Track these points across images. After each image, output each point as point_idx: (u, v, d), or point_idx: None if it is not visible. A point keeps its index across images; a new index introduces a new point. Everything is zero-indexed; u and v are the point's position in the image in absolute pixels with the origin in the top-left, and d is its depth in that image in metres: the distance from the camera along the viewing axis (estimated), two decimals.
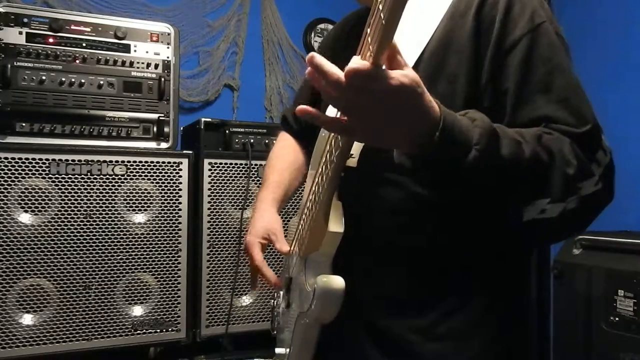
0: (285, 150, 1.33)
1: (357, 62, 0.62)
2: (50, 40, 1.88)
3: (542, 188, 0.76)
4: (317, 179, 0.89)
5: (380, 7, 0.59)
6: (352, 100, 0.64)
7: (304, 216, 0.98)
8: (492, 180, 0.74)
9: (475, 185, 0.75)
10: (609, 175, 0.81)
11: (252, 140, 2.10)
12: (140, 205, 1.89)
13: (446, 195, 0.86)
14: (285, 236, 1.13)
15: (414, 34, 0.90)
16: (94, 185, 1.82)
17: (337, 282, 0.85)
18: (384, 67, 0.63)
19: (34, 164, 1.75)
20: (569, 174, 0.76)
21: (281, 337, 1.13)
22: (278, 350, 1.13)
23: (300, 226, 1.01)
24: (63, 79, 1.88)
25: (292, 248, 1.09)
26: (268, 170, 1.30)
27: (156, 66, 2.02)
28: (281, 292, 1.15)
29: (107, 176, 1.84)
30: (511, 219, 0.78)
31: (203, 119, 2.07)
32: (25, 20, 1.85)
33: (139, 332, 1.87)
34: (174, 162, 1.94)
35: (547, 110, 0.81)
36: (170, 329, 1.92)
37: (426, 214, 0.88)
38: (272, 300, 1.22)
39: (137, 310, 1.88)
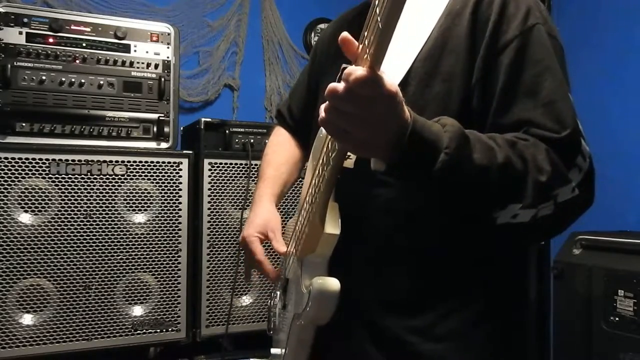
0: (281, 145, 1.33)
1: (355, 68, 0.62)
2: (50, 40, 1.88)
3: (514, 193, 0.76)
4: (314, 181, 0.89)
5: (378, 11, 0.59)
6: (349, 107, 0.65)
7: (301, 217, 0.98)
8: (464, 185, 0.74)
9: (448, 190, 0.75)
10: (588, 181, 0.81)
11: (252, 140, 2.10)
12: (140, 205, 1.89)
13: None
14: (283, 235, 1.13)
15: (411, 34, 0.90)
16: (94, 185, 1.82)
17: (332, 284, 0.85)
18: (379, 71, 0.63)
19: (34, 164, 1.75)
20: (541, 181, 0.76)
21: (277, 338, 1.13)
22: (274, 350, 1.13)
23: (297, 227, 1.01)
24: (63, 79, 1.88)
25: (289, 249, 1.08)
26: (265, 164, 1.30)
27: (156, 66, 2.02)
28: (278, 293, 1.15)
29: (107, 176, 1.84)
30: (485, 223, 0.79)
31: (203, 119, 2.07)
32: (25, 20, 1.85)
33: (139, 332, 1.87)
34: (174, 162, 1.95)
35: (529, 114, 0.81)
36: (170, 329, 1.93)
37: (423, 215, 0.88)
38: (269, 301, 1.22)
39: (137, 310, 1.88)
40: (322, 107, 0.68)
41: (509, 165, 0.75)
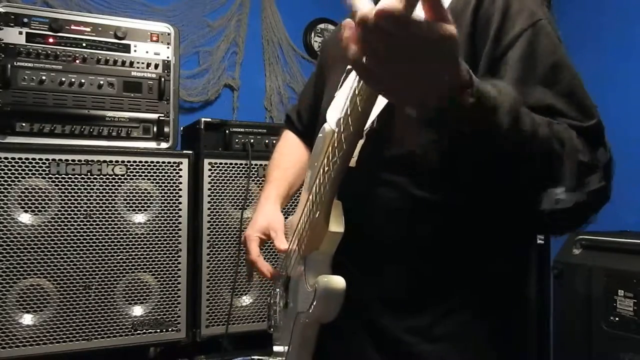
0: (288, 148, 1.33)
1: (389, 2, 0.53)
2: (50, 40, 1.88)
3: (556, 175, 0.73)
4: (318, 179, 0.89)
5: None
6: (378, 45, 0.56)
7: (303, 215, 0.98)
8: (509, 156, 0.71)
9: (488, 159, 0.71)
10: (609, 173, 0.79)
11: (252, 140, 2.10)
12: (140, 205, 1.89)
13: (444, 197, 0.85)
14: (285, 234, 1.13)
15: None
16: (94, 185, 1.82)
17: (338, 282, 0.85)
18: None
19: (34, 164, 1.75)
20: (583, 160, 0.74)
21: (278, 336, 1.13)
22: (276, 348, 1.13)
23: (299, 225, 1.01)
24: (63, 79, 1.88)
25: (290, 246, 1.08)
26: (272, 167, 1.30)
27: (156, 66, 2.02)
28: (278, 290, 1.15)
29: (107, 176, 1.84)
30: (525, 209, 0.76)
31: (203, 119, 2.07)
32: (25, 20, 1.85)
33: (139, 332, 1.87)
34: (174, 162, 1.95)
35: (551, 101, 0.79)
36: (170, 329, 1.92)
37: (424, 215, 0.88)
38: (269, 299, 1.22)
39: (137, 310, 1.88)
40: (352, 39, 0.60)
41: (550, 144, 0.72)
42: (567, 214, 0.74)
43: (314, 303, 0.86)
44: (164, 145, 2.00)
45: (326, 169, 0.84)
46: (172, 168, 1.94)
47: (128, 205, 1.87)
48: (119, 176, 1.86)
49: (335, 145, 0.80)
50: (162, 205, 1.92)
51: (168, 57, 2.04)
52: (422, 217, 0.88)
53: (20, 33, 1.84)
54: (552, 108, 0.79)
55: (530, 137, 0.70)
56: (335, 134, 0.80)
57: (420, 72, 0.59)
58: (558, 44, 0.84)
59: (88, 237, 1.81)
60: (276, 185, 1.24)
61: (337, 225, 0.86)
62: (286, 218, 1.19)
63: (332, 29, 1.31)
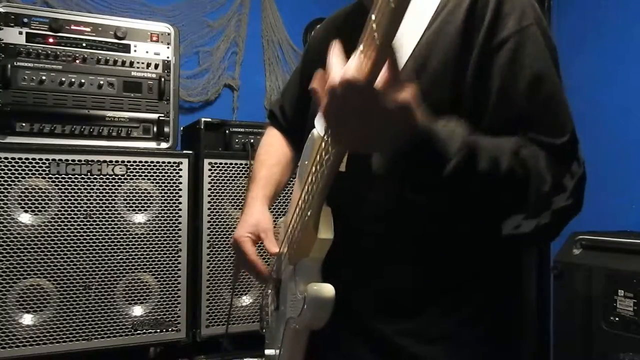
0: (273, 146, 1.32)
1: (352, 72, 0.61)
2: (50, 40, 1.88)
3: (517, 204, 0.77)
4: (307, 187, 0.88)
5: (375, 27, 0.58)
6: (340, 107, 0.65)
7: (293, 221, 0.97)
8: (466, 194, 0.75)
9: (449, 197, 0.76)
10: (580, 188, 0.81)
11: (252, 140, 2.10)
12: (140, 205, 1.89)
13: (435, 200, 0.85)
14: (275, 236, 1.13)
15: (401, 35, 0.88)
16: (94, 185, 1.82)
17: (328, 290, 0.85)
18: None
19: (34, 164, 1.75)
20: (544, 191, 0.76)
21: (270, 337, 1.13)
22: (268, 352, 1.13)
23: (289, 231, 1.00)
24: (63, 79, 1.88)
25: (281, 249, 1.08)
26: (257, 165, 1.29)
27: (156, 66, 2.02)
28: (270, 293, 1.14)
29: (107, 176, 1.84)
30: (489, 232, 0.79)
31: (203, 119, 2.07)
32: (25, 20, 1.85)
33: (139, 332, 1.87)
34: (174, 162, 1.95)
35: (527, 117, 0.81)
36: (170, 329, 1.93)
37: (414, 219, 0.87)
38: (261, 300, 1.22)
39: (137, 310, 1.88)
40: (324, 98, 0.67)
41: (512, 176, 0.75)
42: (531, 235, 0.78)
43: (304, 310, 0.86)
44: (164, 145, 2.01)
45: (314, 178, 0.84)
46: (172, 168, 1.94)
47: (128, 205, 1.87)
48: (119, 176, 1.86)
49: (323, 154, 0.79)
50: (162, 205, 1.92)
51: (168, 57, 2.04)
52: (410, 220, 0.88)
53: (20, 33, 1.84)
54: (527, 125, 0.80)
55: (488, 176, 0.74)
56: (323, 143, 0.79)
57: (378, 131, 0.67)
58: (543, 52, 0.84)
59: (88, 237, 1.81)
60: (262, 185, 1.23)
61: (326, 232, 0.86)
62: (279, 219, 1.18)
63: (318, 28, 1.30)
